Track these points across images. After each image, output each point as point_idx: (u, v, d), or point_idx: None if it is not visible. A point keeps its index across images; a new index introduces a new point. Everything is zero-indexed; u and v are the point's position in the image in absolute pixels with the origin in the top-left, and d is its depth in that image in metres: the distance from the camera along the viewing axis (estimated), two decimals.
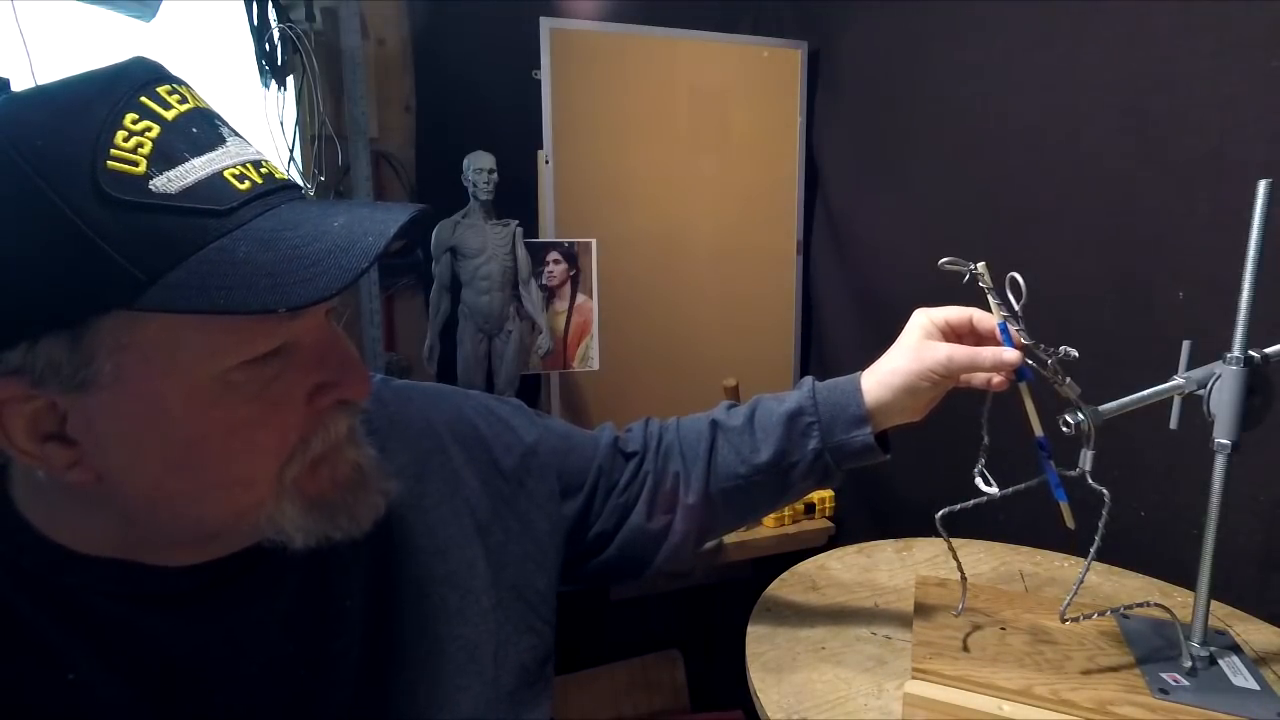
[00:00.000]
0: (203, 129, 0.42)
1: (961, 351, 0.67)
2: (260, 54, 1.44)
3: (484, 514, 0.65)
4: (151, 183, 0.39)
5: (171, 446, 0.43)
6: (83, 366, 0.40)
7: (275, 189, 0.44)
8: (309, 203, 0.45)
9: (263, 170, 0.44)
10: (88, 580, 0.46)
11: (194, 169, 0.40)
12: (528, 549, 0.66)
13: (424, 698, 0.57)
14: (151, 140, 0.40)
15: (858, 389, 0.70)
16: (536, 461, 0.69)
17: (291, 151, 1.55)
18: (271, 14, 1.44)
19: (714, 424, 0.74)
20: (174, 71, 0.45)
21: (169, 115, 0.41)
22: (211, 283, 0.39)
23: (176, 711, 0.48)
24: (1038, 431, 0.69)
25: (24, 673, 0.45)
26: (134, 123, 0.40)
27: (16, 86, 1.08)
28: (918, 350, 0.68)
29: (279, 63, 1.47)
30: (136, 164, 0.39)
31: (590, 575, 0.74)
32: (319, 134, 1.53)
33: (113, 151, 0.39)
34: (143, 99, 0.41)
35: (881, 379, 0.70)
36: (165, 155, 0.40)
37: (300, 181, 1.57)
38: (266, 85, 1.49)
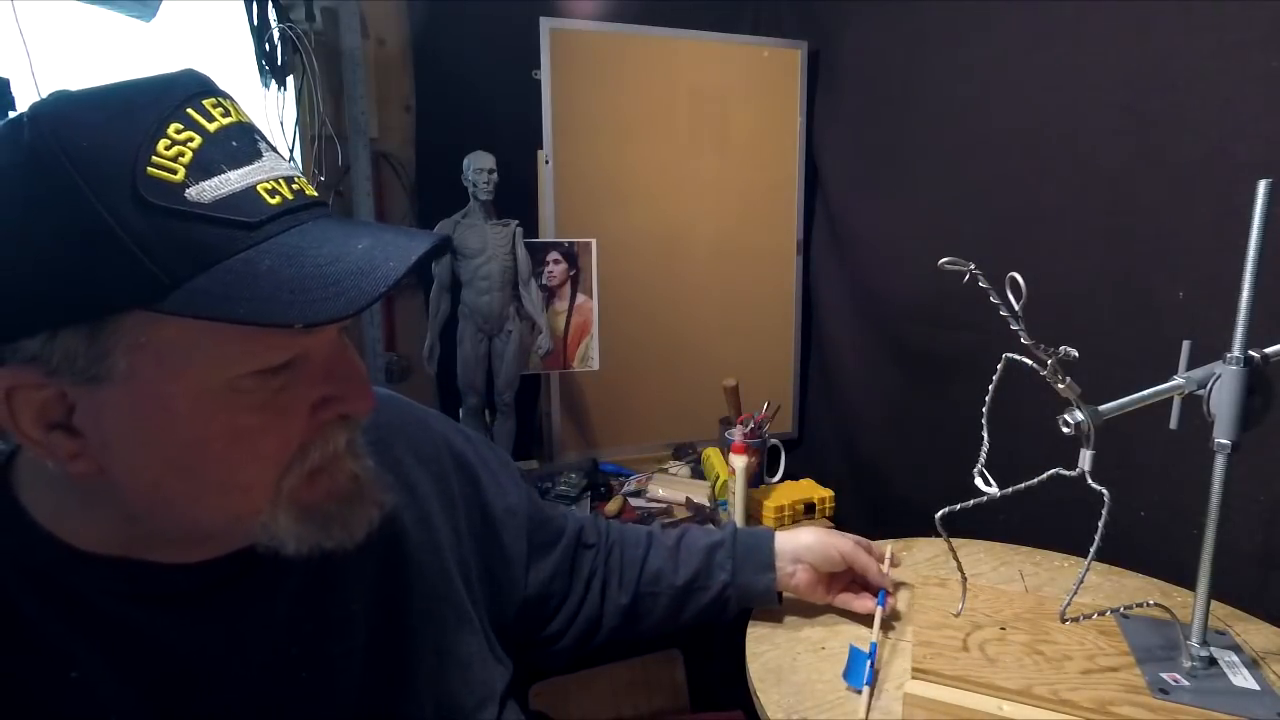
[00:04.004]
0: (242, 143, 0.44)
1: (861, 553, 0.82)
2: (260, 54, 1.44)
3: (466, 549, 0.67)
4: (187, 191, 0.40)
5: (174, 447, 0.43)
6: (98, 360, 0.40)
7: (304, 205, 0.45)
8: (334, 221, 0.46)
9: (294, 186, 0.45)
10: (91, 579, 0.46)
11: (229, 181, 0.42)
12: (487, 593, 0.69)
13: (429, 708, 0.58)
14: (192, 150, 0.41)
15: (771, 539, 0.82)
16: (514, 521, 0.73)
17: (291, 151, 1.55)
18: (271, 14, 1.43)
19: (650, 535, 0.85)
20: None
21: (211, 127, 0.42)
22: (234, 292, 0.40)
23: (178, 710, 0.48)
24: (875, 637, 0.78)
25: (27, 669, 0.45)
26: (178, 132, 0.41)
27: (16, 86, 1.08)
28: (828, 533, 0.83)
29: (279, 63, 1.47)
30: (175, 172, 0.40)
31: (556, 652, 0.80)
32: (319, 134, 1.53)
33: (154, 158, 0.40)
34: (189, 110, 0.42)
35: (792, 536, 0.82)
36: (203, 166, 0.41)
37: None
38: (266, 85, 1.49)
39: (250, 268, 0.41)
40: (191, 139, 0.41)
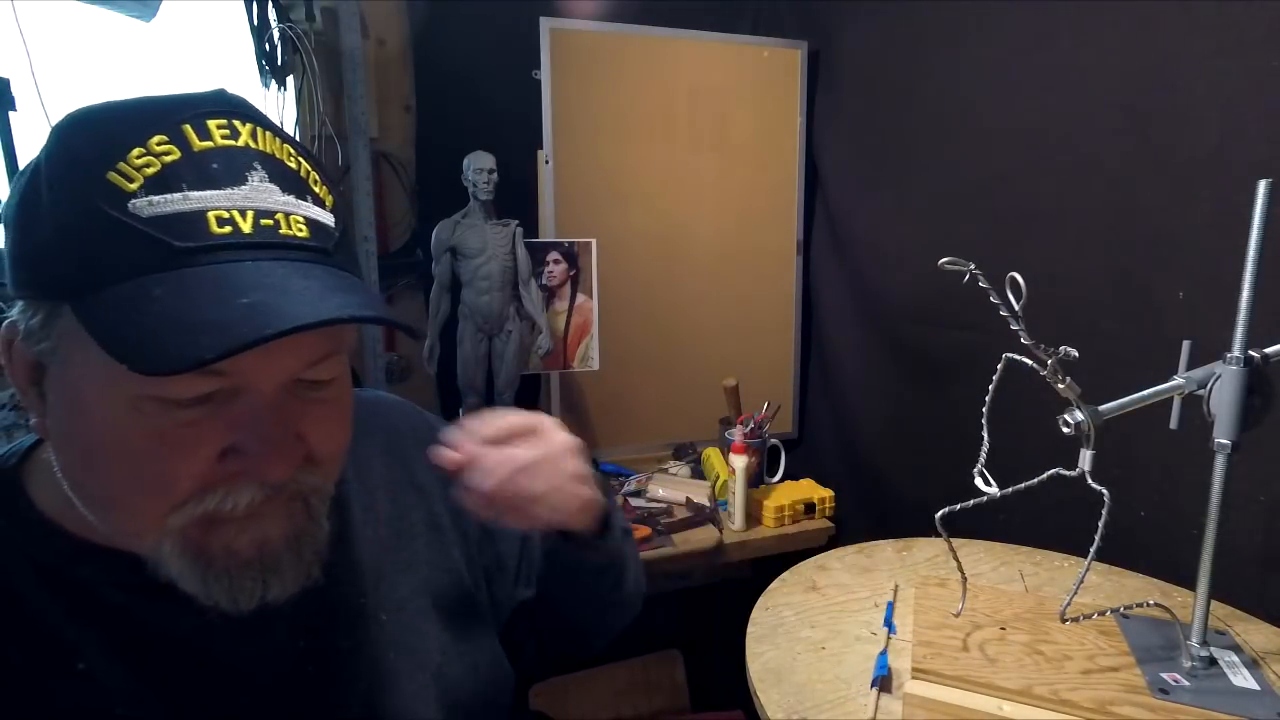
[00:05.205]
0: (226, 166, 0.42)
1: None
2: (260, 54, 1.44)
3: (473, 551, 0.67)
4: (132, 202, 0.40)
5: (80, 444, 0.44)
6: (45, 339, 0.43)
7: (269, 244, 0.42)
8: (288, 266, 0.42)
9: (265, 222, 0.42)
10: (98, 570, 0.47)
11: (182, 201, 0.40)
12: (489, 598, 0.68)
13: (437, 706, 0.57)
14: (163, 164, 0.41)
15: None
16: (509, 529, 0.71)
17: None
18: (271, 14, 1.43)
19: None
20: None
21: (199, 146, 0.42)
22: (113, 312, 0.39)
23: (184, 702, 0.48)
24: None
25: (34, 660, 0.45)
26: (159, 144, 0.41)
27: (16, 87, 1.08)
28: None
29: (279, 63, 1.46)
30: (133, 180, 0.40)
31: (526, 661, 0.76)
32: (319, 134, 1.53)
33: (120, 165, 0.40)
34: (185, 125, 0.42)
35: None
36: (164, 181, 0.40)
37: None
38: (266, 85, 1.49)
39: (142, 293, 0.39)
40: (169, 153, 0.41)
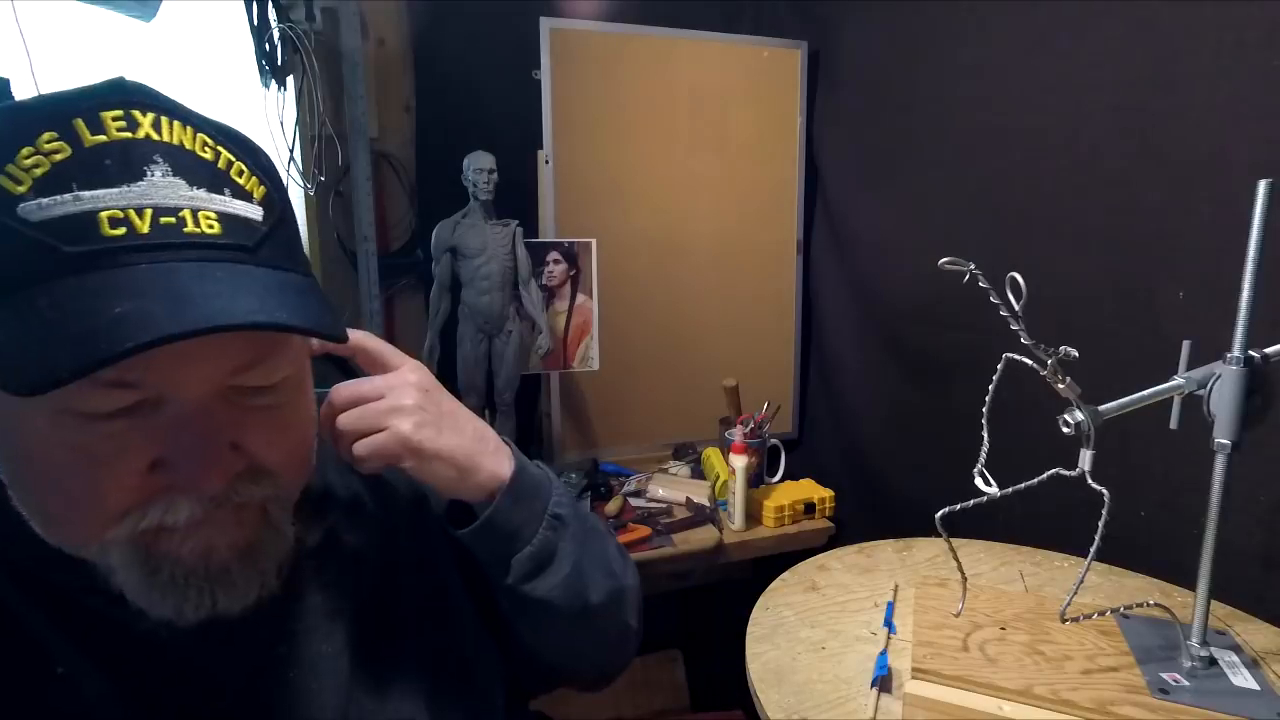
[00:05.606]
0: (120, 161, 0.39)
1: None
2: (260, 54, 1.44)
3: (465, 556, 0.65)
4: (21, 206, 0.38)
5: (10, 457, 0.42)
6: None
7: (169, 244, 0.39)
8: (193, 268, 0.40)
9: (165, 220, 0.39)
10: (77, 577, 0.46)
11: (72, 202, 0.38)
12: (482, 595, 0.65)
13: (425, 711, 0.57)
14: (53, 163, 0.38)
15: None
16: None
17: (291, 151, 1.55)
18: (271, 14, 1.43)
19: None
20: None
21: (91, 141, 0.39)
22: (9, 328, 0.37)
23: (163, 708, 0.48)
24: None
25: (14, 664, 0.45)
26: (48, 142, 0.38)
27: (16, 86, 1.08)
28: None
29: (279, 63, 1.46)
30: (21, 183, 0.38)
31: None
32: (319, 134, 1.53)
33: (8, 167, 0.38)
34: (76, 120, 0.39)
35: None
36: (54, 181, 0.38)
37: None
38: (266, 85, 1.49)
39: (28, 303, 0.37)
40: (59, 151, 0.38)
